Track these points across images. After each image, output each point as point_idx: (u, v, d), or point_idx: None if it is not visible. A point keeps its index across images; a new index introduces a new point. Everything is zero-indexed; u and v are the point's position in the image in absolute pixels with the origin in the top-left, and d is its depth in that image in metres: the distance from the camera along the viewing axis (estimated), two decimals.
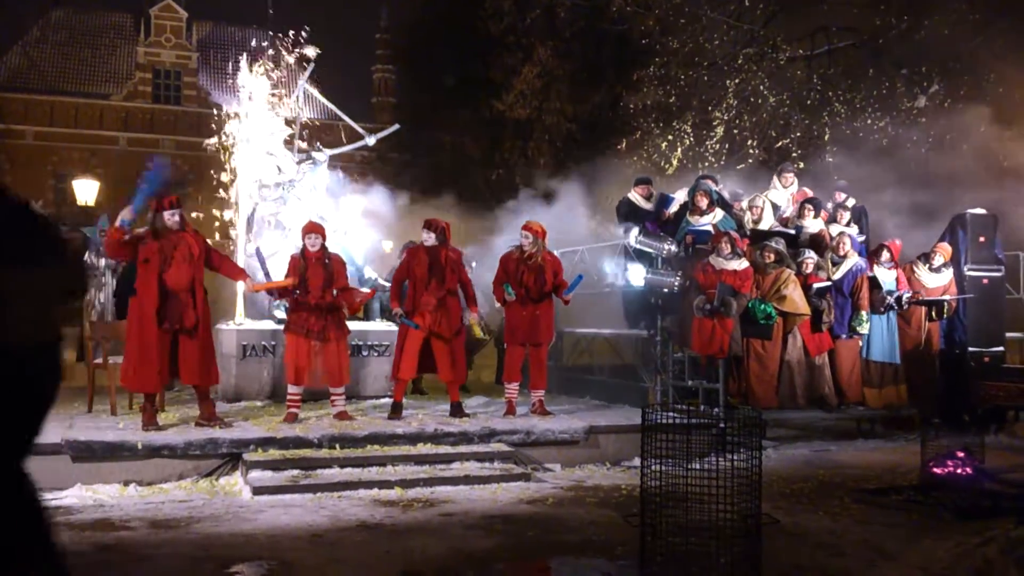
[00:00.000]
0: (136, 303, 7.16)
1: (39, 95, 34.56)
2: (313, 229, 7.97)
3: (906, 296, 9.50)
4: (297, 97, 10.48)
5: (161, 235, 7.16)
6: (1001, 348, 9.90)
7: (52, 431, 6.91)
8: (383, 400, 9.27)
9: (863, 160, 17.67)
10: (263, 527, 5.51)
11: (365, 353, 9.62)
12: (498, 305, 9.18)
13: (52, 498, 6.23)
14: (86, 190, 20.34)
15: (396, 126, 12.23)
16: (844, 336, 9.40)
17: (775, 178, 10.87)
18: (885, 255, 9.59)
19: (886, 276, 9.57)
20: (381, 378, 9.56)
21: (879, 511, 6.17)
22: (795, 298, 8.92)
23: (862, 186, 11.99)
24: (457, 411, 8.28)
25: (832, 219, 10.29)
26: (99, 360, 8.33)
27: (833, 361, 9.35)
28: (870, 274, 9.53)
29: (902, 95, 17.42)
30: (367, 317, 10.71)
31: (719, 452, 4.22)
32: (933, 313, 9.72)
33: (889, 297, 9.43)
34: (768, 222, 10.02)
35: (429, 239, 8.21)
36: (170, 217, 7.21)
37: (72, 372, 14.17)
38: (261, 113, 9.87)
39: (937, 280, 9.79)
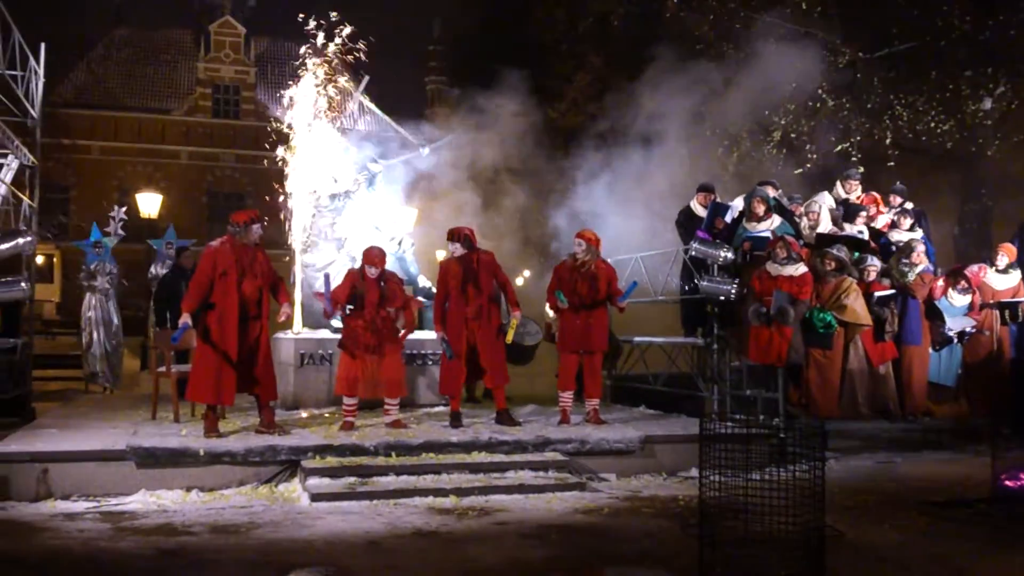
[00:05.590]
0: (215, 315, 7.22)
1: (104, 111, 35.58)
2: (372, 261, 7.91)
3: (969, 328, 9.14)
4: (352, 109, 10.58)
5: (239, 248, 7.34)
6: None
7: (118, 438, 7.11)
8: (437, 408, 9.29)
9: (925, 165, 17.20)
10: (321, 533, 5.57)
11: (420, 362, 9.67)
12: (553, 314, 9.13)
13: (117, 503, 6.39)
14: (149, 203, 20.83)
15: (449, 137, 12.30)
16: (914, 344, 9.10)
17: (839, 183, 10.62)
18: (963, 283, 9.22)
19: (959, 300, 9.18)
20: (435, 386, 9.58)
21: (948, 524, 5.99)
22: (856, 308, 8.66)
23: (923, 190, 11.68)
24: (504, 418, 8.22)
25: (894, 225, 10.04)
26: (162, 369, 8.50)
27: (899, 370, 9.07)
28: (936, 301, 9.19)
29: (967, 98, 16.97)
30: (421, 327, 10.76)
31: (779, 463, 4.14)
32: (1007, 315, 9.38)
33: (950, 332, 9.09)
34: (825, 227, 9.80)
35: (456, 249, 8.13)
36: (256, 231, 7.45)
37: (136, 380, 14.59)
38: (317, 124, 9.97)
39: (1006, 281, 9.48)
